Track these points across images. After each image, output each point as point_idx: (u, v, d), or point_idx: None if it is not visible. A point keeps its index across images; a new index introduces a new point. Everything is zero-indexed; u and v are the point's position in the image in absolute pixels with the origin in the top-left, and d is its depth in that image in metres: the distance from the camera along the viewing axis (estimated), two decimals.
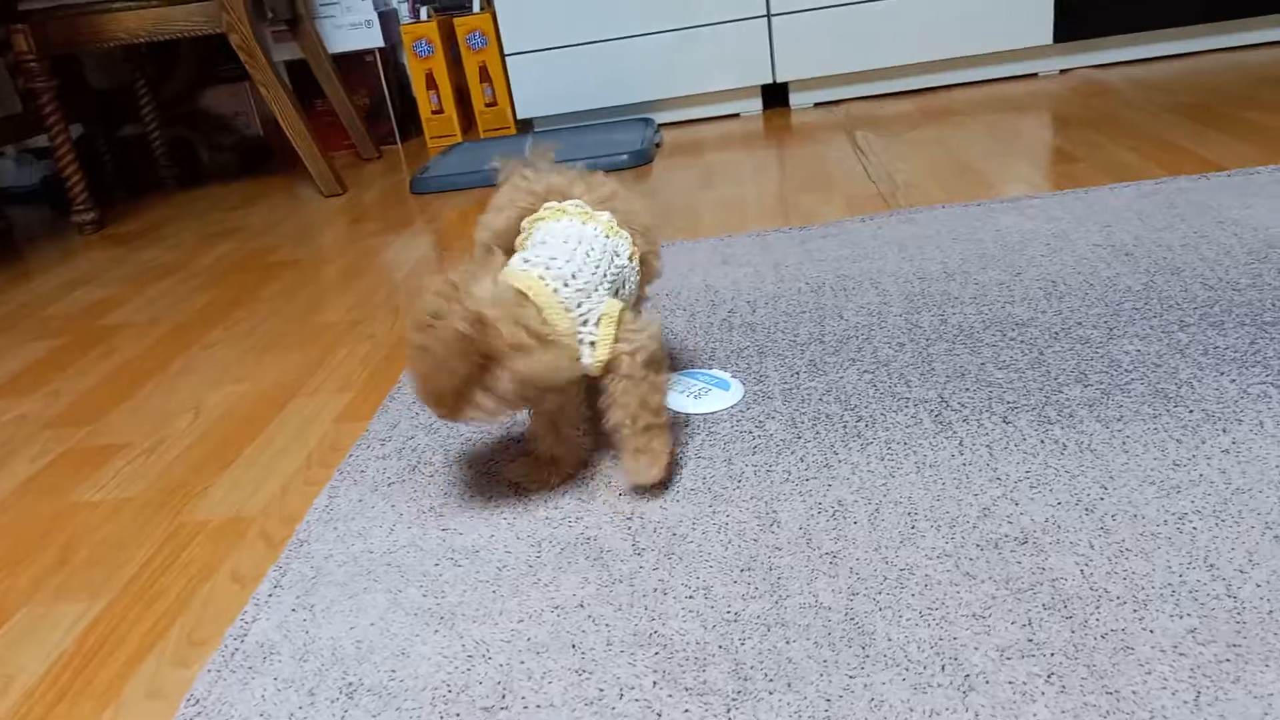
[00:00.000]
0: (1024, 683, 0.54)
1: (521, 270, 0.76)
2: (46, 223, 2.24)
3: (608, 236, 0.82)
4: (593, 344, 0.76)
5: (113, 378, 1.23)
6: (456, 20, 2.35)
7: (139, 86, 2.40)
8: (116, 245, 1.93)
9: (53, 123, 1.98)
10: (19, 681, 0.69)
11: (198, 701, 0.63)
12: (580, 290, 0.76)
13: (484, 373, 0.70)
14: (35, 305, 1.59)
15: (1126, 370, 0.85)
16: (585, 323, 0.76)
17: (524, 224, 0.86)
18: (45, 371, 1.29)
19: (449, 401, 0.71)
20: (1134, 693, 0.53)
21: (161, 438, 1.04)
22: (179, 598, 0.76)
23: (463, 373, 0.70)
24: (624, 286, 0.82)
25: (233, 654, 0.67)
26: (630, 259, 0.83)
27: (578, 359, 0.75)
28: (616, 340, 0.76)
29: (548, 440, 0.81)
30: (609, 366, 0.76)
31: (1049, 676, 0.54)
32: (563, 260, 0.77)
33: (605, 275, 0.79)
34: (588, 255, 0.78)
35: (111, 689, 0.67)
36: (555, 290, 0.75)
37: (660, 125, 2.24)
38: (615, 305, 0.77)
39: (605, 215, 0.84)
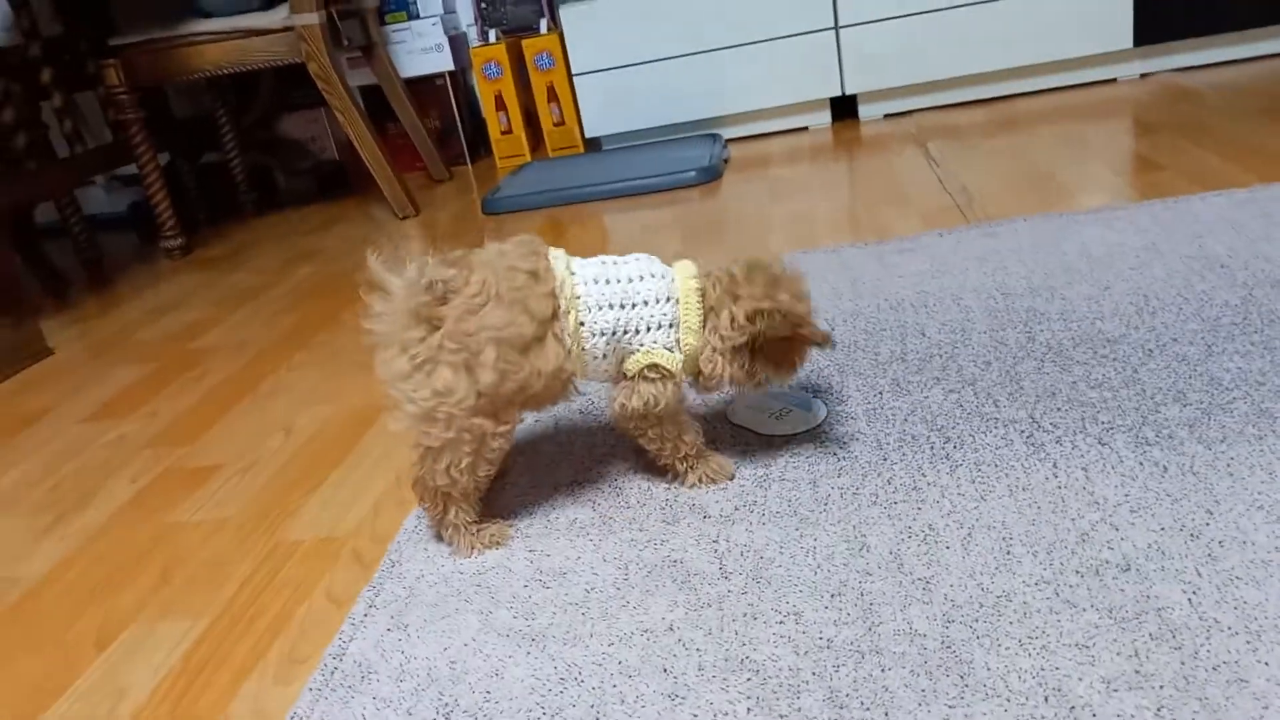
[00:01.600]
0: (1132, 715, 0.53)
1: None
2: (135, 249, 2.34)
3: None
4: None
5: (206, 399, 1.28)
6: (525, 42, 2.38)
7: (220, 115, 2.49)
8: (203, 270, 1.99)
9: (141, 152, 2.06)
10: (130, 698, 0.72)
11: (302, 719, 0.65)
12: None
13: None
14: (128, 330, 1.66)
15: (1228, 389, 0.82)
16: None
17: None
18: (141, 394, 1.34)
19: None
20: None
21: (255, 458, 1.07)
22: (278, 616, 0.78)
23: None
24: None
25: (333, 673, 0.69)
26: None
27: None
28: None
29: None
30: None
31: (1159, 709, 0.53)
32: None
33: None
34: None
35: (218, 706, 0.69)
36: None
37: (728, 141, 2.24)
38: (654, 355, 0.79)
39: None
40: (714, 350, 0.79)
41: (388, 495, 0.94)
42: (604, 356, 0.78)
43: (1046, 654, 0.58)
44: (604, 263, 0.80)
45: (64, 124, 2.17)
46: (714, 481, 0.83)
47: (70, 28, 2.28)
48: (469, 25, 2.63)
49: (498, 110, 2.44)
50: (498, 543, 0.81)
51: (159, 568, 0.89)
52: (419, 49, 2.50)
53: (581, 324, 0.77)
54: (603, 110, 2.27)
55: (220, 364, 1.40)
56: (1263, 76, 1.89)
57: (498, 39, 2.43)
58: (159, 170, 2.08)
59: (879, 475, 0.80)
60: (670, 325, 0.79)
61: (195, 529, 0.95)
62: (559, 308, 0.76)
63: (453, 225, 1.98)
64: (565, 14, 2.20)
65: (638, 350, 0.78)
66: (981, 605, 0.63)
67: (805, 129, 2.25)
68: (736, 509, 0.79)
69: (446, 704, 0.64)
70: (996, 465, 0.78)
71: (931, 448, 0.82)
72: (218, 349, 1.47)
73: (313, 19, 1.96)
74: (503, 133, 2.47)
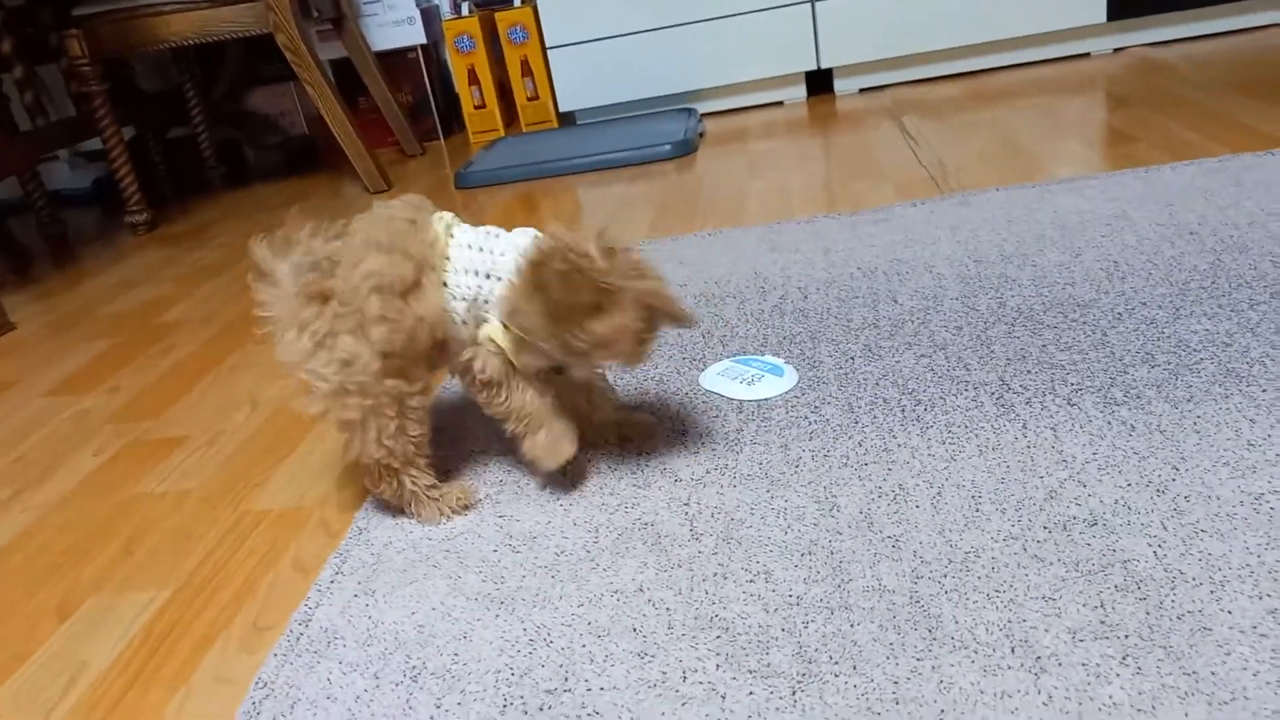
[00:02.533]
0: (1098, 664, 0.53)
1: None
2: (99, 224, 2.29)
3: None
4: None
5: (170, 374, 1.26)
6: (498, 15, 2.35)
7: (187, 89, 2.45)
8: (168, 245, 1.96)
9: (106, 125, 2.02)
10: (89, 670, 0.71)
11: (266, 685, 0.64)
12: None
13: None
14: (92, 305, 1.63)
15: (1195, 350, 0.82)
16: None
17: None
18: (104, 369, 1.32)
19: None
20: (1213, 674, 0.51)
21: (220, 431, 1.06)
22: (243, 585, 0.77)
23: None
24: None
25: (298, 639, 0.68)
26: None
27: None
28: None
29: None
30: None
31: (1124, 658, 0.53)
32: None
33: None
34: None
35: (180, 675, 0.68)
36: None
37: (703, 115, 2.22)
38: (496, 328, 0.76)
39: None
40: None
41: (354, 465, 0.93)
42: (463, 323, 0.76)
43: (1014, 607, 0.58)
44: (486, 233, 0.78)
45: (25, 96, 2.12)
46: (542, 460, 0.78)
47: None
48: None
49: (471, 84, 2.42)
50: (465, 505, 0.80)
51: (122, 539, 0.88)
52: (391, 22, 2.46)
53: (444, 284, 0.75)
54: (577, 84, 2.25)
55: (185, 339, 1.38)
56: (1234, 50, 1.90)
57: (471, 12, 2.40)
58: (123, 144, 2.04)
59: (850, 438, 0.79)
60: None
61: (160, 500, 0.94)
62: (435, 258, 0.75)
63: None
64: None
65: (486, 321, 0.76)
66: (950, 561, 0.63)
67: (781, 103, 2.24)
68: (708, 472, 0.78)
69: (414, 666, 0.63)
70: (966, 426, 0.78)
71: (903, 410, 0.82)
72: (182, 324, 1.44)
73: None
74: (476, 107, 2.44)
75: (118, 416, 1.15)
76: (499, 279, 0.75)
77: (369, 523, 0.81)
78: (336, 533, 0.82)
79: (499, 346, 0.75)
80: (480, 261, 0.76)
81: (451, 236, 0.77)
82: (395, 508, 0.81)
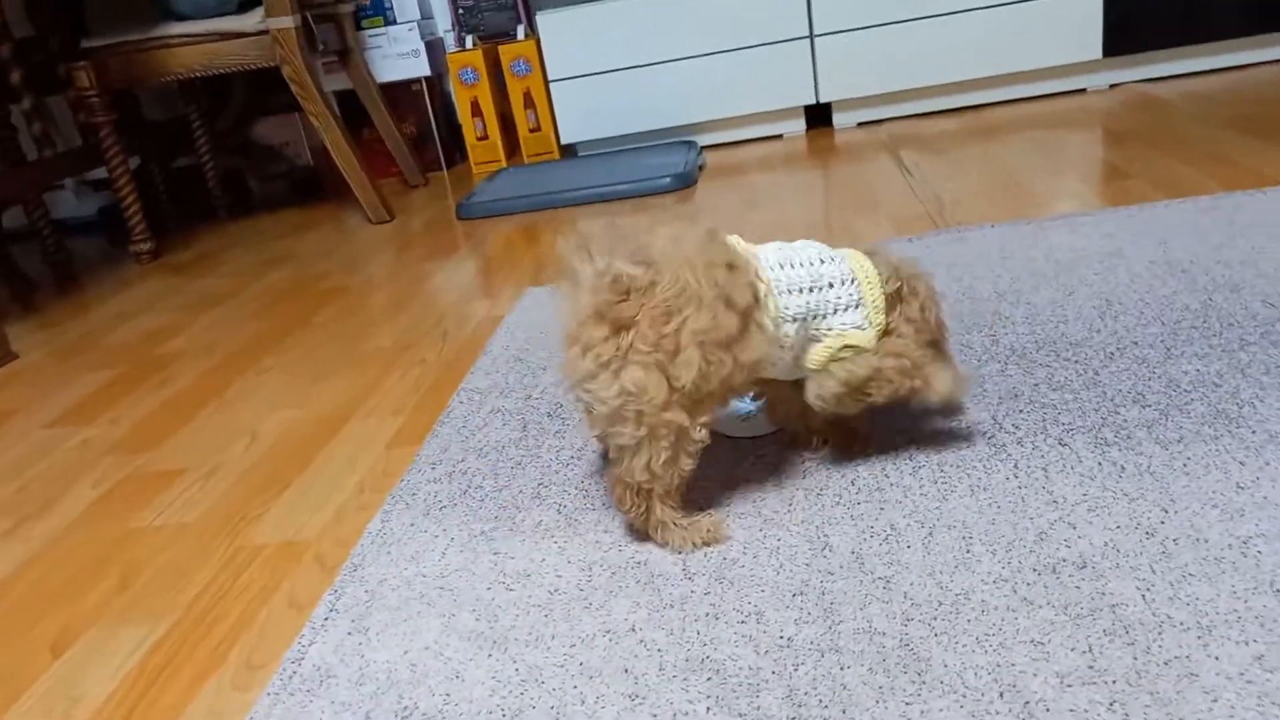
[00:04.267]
0: (1085, 710, 0.53)
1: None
2: (104, 253, 2.31)
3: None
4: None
5: (170, 404, 1.26)
6: (501, 48, 2.38)
7: (193, 119, 2.48)
8: (172, 274, 1.98)
9: (112, 155, 2.05)
10: (85, 704, 0.71)
11: None
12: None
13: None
14: (95, 335, 1.64)
15: (1185, 390, 0.83)
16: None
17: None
18: (105, 399, 1.33)
19: None
20: None
21: (219, 463, 1.06)
22: (238, 621, 0.78)
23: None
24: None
25: (290, 677, 0.68)
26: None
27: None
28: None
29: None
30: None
31: (1111, 704, 0.53)
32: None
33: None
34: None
35: (173, 711, 0.68)
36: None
37: (703, 148, 2.25)
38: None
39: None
40: (901, 337, 0.77)
41: (352, 500, 0.93)
42: (789, 347, 0.75)
43: (1003, 650, 0.58)
44: (780, 248, 0.78)
45: (33, 126, 2.15)
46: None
47: (41, 30, 2.26)
48: (446, 31, 2.63)
49: (474, 116, 2.44)
50: (715, 538, 0.75)
51: (119, 573, 0.88)
52: (395, 54, 2.49)
53: (770, 318, 0.74)
54: (579, 116, 2.27)
55: (186, 369, 1.39)
56: (1229, 87, 1.92)
57: (474, 45, 2.43)
58: (129, 174, 2.07)
59: (843, 476, 0.80)
60: (857, 305, 0.77)
61: (157, 534, 0.94)
62: (759, 295, 0.73)
63: (427, 231, 1.97)
64: (542, 21, 2.21)
65: (825, 336, 0.76)
66: (940, 603, 0.63)
67: (780, 137, 2.26)
68: (701, 510, 0.79)
69: (406, 707, 0.63)
70: (958, 465, 0.78)
71: (895, 449, 0.82)
72: (184, 354, 1.45)
73: (288, 23, 1.95)
74: (479, 138, 2.46)
75: (118, 448, 1.16)
76: (826, 286, 0.76)
77: (364, 559, 0.81)
78: (332, 568, 0.82)
79: (858, 350, 0.76)
80: (800, 278, 0.75)
81: (758, 259, 0.76)
82: (398, 536, 0.82)
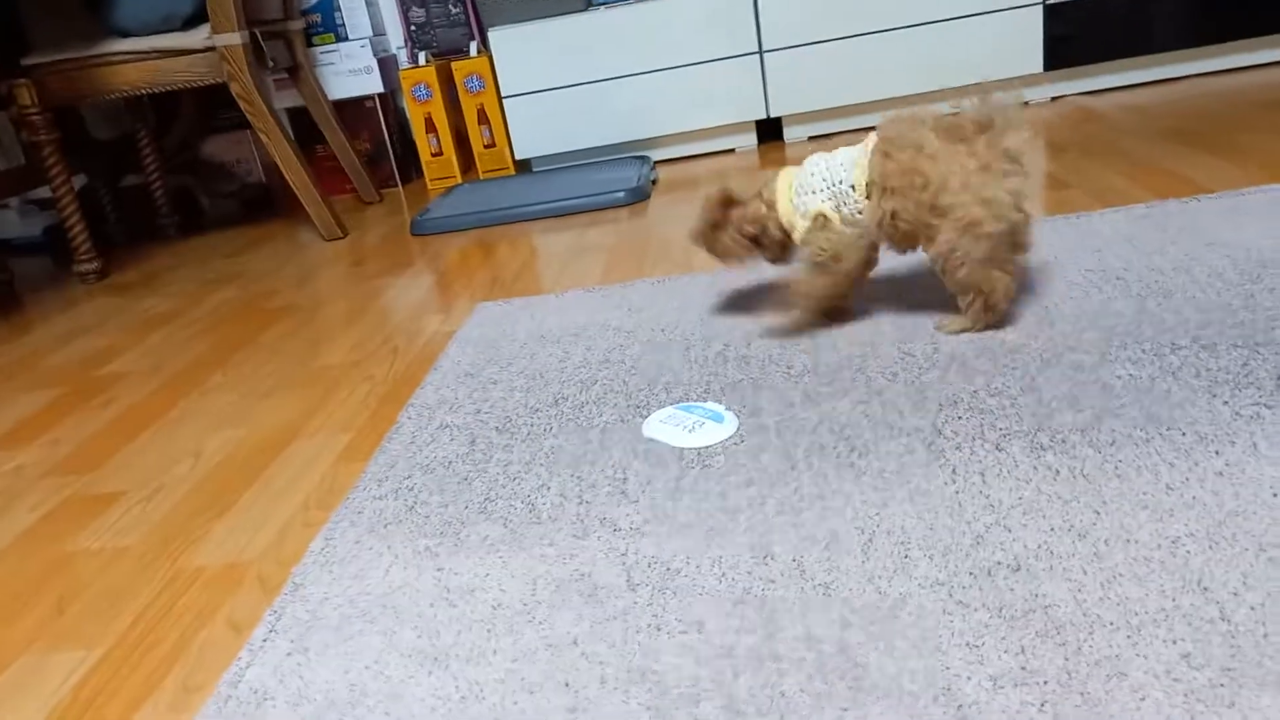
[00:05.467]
0: (1017, 711, 0.54)
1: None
2: (49, 273, 2.27)
3: (850, 167, 1.02)
4: (794, 227, 1.08)
5: (112, 426, 1.24)
6: (454, 64, 2.38)
7: (141, 137, 2.44)
8: (118, 294, 1.94)
9: (55, 174, 2.01)
10: None
11: None
12: (801, 189, 1.06)
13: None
14: (36, 356, 1.61)
15: (1119, 395, 0.85)
16: (800, 210, 1.06)
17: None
18: (45, 421, 1.30)
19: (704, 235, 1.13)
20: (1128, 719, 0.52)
21: (160, 484, 1.05)
22: (175, 645, 0.76)
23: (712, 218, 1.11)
24: (842, 205, 1.03)
25: (227, 700, 0.67)
26: (854, 188, 1.02)
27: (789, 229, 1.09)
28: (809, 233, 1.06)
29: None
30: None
31: (1042, 705, 0.54)
32: (806, 172, 1.06)
33: (827, 188, 1.04)
34: (821, 173, 1.05)
35: None
36: (791, 185, 1.07)
37: (656, 162, 2.26)
38: (823, 207, 1.04)
39: (867, 157, 1.01)
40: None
41: (297, 518, 0.92)
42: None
43: (938, 654, 0.59)
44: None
45: None
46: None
47: None
48: (399, 48, 2.62)
49: (428, 132, 2.44)
50: None
51: (54, 598, 0.86)
52: (348, 71, 2.48)
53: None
54: (533, 132, 2.28)
55: (129, 390, 1.36)
56: (1164, 100, 1.97)
57: (427, 61, 2.42)
58: (73, 193, 2.03)
59: (787, 484, 0.80)
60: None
61: (94, 557, 0.92)
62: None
63: (381, 247, 1.96)
64: (495, 37, 2.21)
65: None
66: (878, 609, 0.64)
67: (732, 150, 2.28)
68: (646, 521, 0.79)
69: None
70: (899, 472, 0.79)
71: (838, 457, 0.83)
72: (128, 374, 1.43)
73: (235, 39, 1.93)
74: (433, 155, 2.46)
75: (57, 470, 1.13)
76: (809, 192, 1.08)
77: (306, 578, 0.80)
78: (274, 589, 0.81)
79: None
80: (798, 190, 1.09)
81: None
82: (339, 554, 0.81)
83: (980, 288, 0.99)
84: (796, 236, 1.07)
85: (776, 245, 1.12)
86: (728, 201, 1.11)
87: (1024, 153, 0.96)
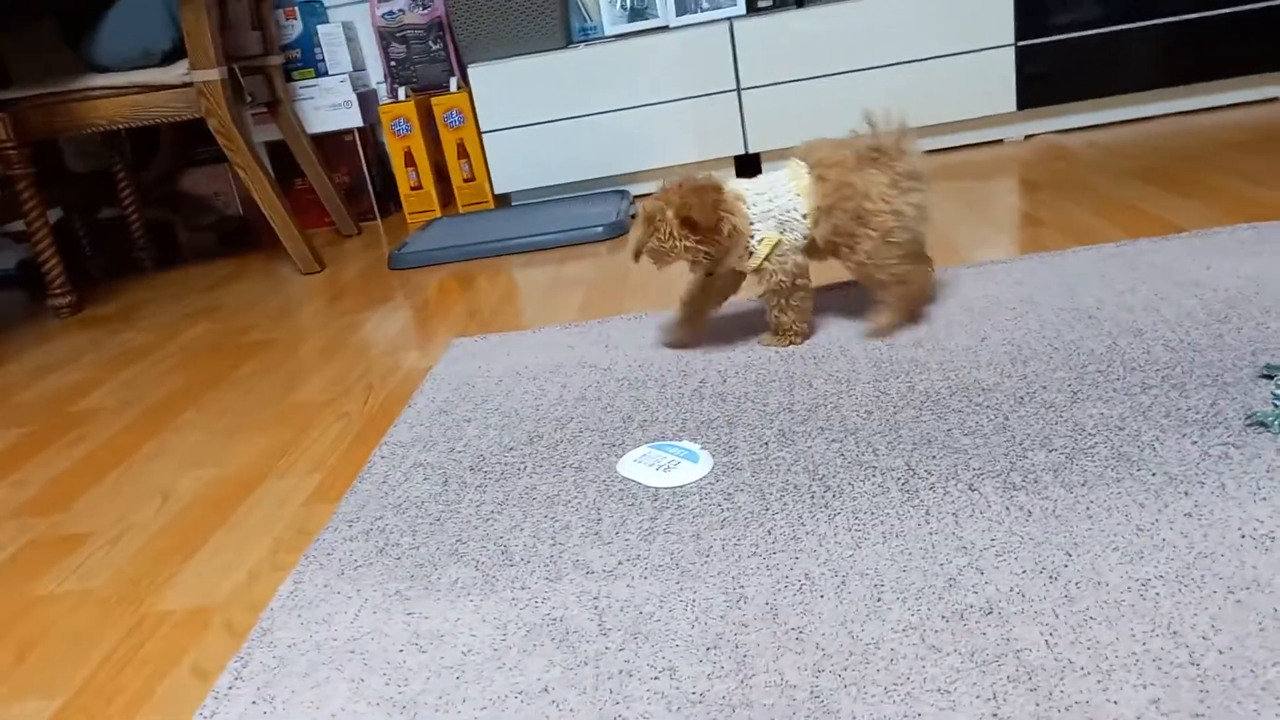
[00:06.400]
0: None
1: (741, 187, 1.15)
2: (23, 307, 2.25)
3: (797, 194, 1.12)
4: (751, 253, 1.14)
5: (81, 465, 1.22)
6: (434, 99, 2.39)
7: (117, 169, 2.43)
8: (92, 328, 1.93)
9: (30, 208, 2.00)
10: None
11: None
12: (755, 215, 1.13)
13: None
14: (6, 392, 1.58)
15: (1090, 434, 0.85)
16: (753, 237, 1.13)
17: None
18: (12, 460, 1.28)
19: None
20: None
21: (128, 526, 1.03)
22: (138, 694, 0.74)
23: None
24: (788, 231, 1.12)
25: None
26: (805, 216, 1.12)
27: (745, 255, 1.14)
28: (766, 259, 1.13)
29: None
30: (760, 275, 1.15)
31: None
32: (751, 197, 1.13)
33: (776, 217, 1.12)
34: (764, 203, 1.12)
35: None
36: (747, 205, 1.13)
37: (635, 197, 2.27)
38: (775, 236, 1.12)
39: (808, 184, 1.12)
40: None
41: (266, 561, 0.91)
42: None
43: (910, 700, 0.58)
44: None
45: None
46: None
47: None
48: (379, 82, 2.63)
49: (407, 166, 2.44)
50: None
51: (15, 644, 0.84)
52: (328, 105, 2.49)
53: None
54: (512, 167, 2.29)
55: (100, 427, 1.34)
56: (1135, 139, 2.01)
57: (407, 96, 2.44)
58: (48, 226, 2.02)
59: (760, 525, 0.80)
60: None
61: (58, 602, 0.90)
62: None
63: (359, 281, 1.95)
64: (474, 73, 2.22)
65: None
66: (851, 654, 0.63)
67: None
68: (619, 564, 0.78)
69: None
70: (872, 513, 0.79)
71: (812, 497, 0.83)
72: (99, 411, 1.41)
73: (213, 75, 1.93)
74: (412, 188, 2.46)
75: (22, 510, 1.11)
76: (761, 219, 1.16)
77: (274, 622, 0.79)
78: (240, 634, 0.80)
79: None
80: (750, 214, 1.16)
81: None
82: (308, 598, 0.79)
83: (901, 279, 1.11)
84: (753, 263, 1.14)
85: (715, 259, 1.15)
86: (690, 222, 1.11)
87: (923, 172, 1.10)
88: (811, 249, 1.15)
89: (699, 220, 1.09)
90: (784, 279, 1.13)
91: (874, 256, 1.09)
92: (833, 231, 1.10)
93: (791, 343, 1.17)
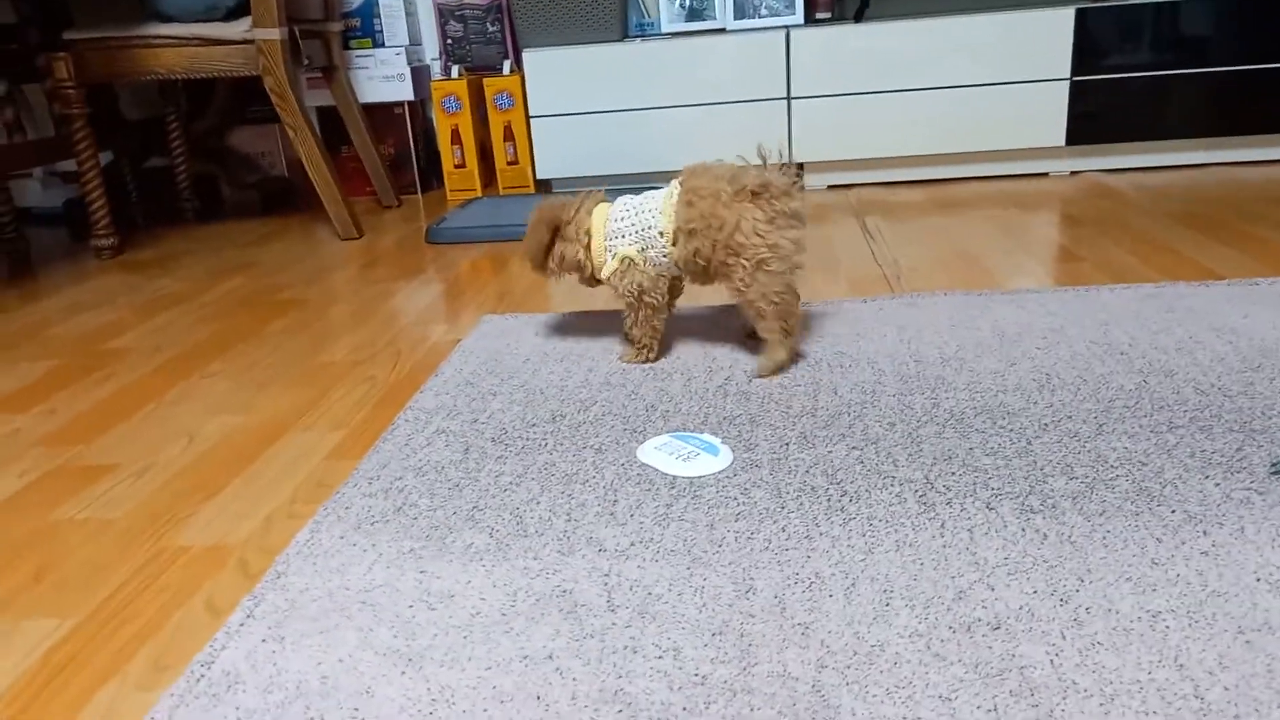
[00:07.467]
0: None
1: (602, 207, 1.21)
2: (65, 245, 2.28)
3: (659, 213, 1.15)
4: (602, 265, 1.19)
5: (109, 401, 1.24)
6: (486, 80, 2.41)
7: (170, 120, 2.47)
8: (131, 272, 1.96)
9: (83, 149, 2.03)
10: None
11: None
12: (612, 234, 1.18)
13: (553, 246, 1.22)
14: (41, 325, 1.61)
15: (1112, 466, 0.85)
16: (610, 252, 1.18)
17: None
18: (43, 390, 1.30)
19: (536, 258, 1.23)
20: None
21: (151, 462, 1.05)
22: (150, 622, 0.76)
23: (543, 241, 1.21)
24: (648, 248, 1.16)
25: (197, 680, 0.67)
26: (662, 235, 1.14)
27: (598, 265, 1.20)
28: (614, 274, 1.18)
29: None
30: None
31: None
32: (616, 217, 1.18)
33: (636, 233, 1.16)
34: (630, 219, 1.17)
35: (71, 709, 0.67)
36: (604, 227, 1.19)
37: None
38: (630, 251, 1.16)
39: (673, 205, 1.14)
40: None
41: (284, 509, 0.92)
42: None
43: (911, 704, 0.59)
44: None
45: (4, 112, 2.13)
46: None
47: (24, 18, 2.25)
48: (433, 59, 2.65)
49: (453, 144, 2.46)
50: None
51: (34, 565, 0.86)
52: (381, 76, 2.51)
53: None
54: (557, 154, 2.30)
55: (129, 367, 1.37)
56: (1180, 184, 2.00)
57: (460, 75, 2.46)
58: (98, 168, 2.05)
59: (775, 522, 0.81)
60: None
61: (79, 528, 0.92)
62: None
63: (395, 251, 1.97)
64: (529, 58, 2.24)
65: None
66: (855, 653, 0.64)
67: None
68: (632, 545, 0.79)
69: (312, 718, 0.62)
70: (888, 521, 0.79)
71: (829, 500, 0.83)
72: (130, 351, 1.43)
73: (274, 34, 1.96)
74: (456, 166, 2.48)
75: (49, 439, 1.13)
76: (620, 235, 1.20)
77: (289, 567, 0.80)
78: (254, 575, 0.81)
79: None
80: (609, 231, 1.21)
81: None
82: (323, 547, 0.81)
83: (781, 315, 1.11)
84: (604, 275, 1.19)
85: (590, 277, 1.23)
86: (555, 228, 1.21)
87: (803, 213, 1.13)
88: (701, 273, 1.15)
89: (525, 258, 1.22)
90: (627, 295, 1.17)
91: (752, 284, 1.09)
92: (695, 254, 1.12)
93: (646, 359, 1.19)
